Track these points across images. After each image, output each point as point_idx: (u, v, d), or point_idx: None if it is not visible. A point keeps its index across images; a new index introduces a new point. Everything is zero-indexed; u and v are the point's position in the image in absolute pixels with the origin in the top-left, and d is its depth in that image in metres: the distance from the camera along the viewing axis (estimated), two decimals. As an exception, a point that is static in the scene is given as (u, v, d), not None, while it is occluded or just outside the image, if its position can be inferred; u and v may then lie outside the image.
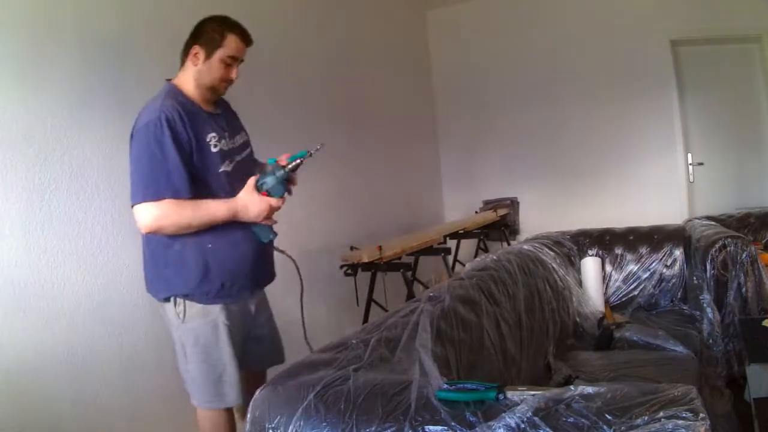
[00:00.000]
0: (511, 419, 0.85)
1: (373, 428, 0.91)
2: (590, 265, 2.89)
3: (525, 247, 2.60)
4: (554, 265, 2.57)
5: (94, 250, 2.19)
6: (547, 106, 4.89)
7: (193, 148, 1.67)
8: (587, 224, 3.33)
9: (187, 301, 1.72)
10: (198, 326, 1.72)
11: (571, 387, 0.90)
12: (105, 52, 2.30)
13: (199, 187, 1.67)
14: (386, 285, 3.38)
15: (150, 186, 1.62)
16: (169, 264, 1.72)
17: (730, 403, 2.02)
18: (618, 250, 3.03)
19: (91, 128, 2.21)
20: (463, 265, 4.27)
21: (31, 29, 2.04)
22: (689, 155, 4.57)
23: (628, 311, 2.83)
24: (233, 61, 1.78)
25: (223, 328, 1.73)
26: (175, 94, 1.74)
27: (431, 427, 0.88)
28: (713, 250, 2.44)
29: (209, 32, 1.76)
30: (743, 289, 2.36)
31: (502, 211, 4.81)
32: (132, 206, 1.66)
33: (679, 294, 2.88)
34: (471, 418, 0.88)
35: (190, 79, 1.77)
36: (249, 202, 1.68)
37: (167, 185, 1.62)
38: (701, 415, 0.78)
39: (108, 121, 2.28)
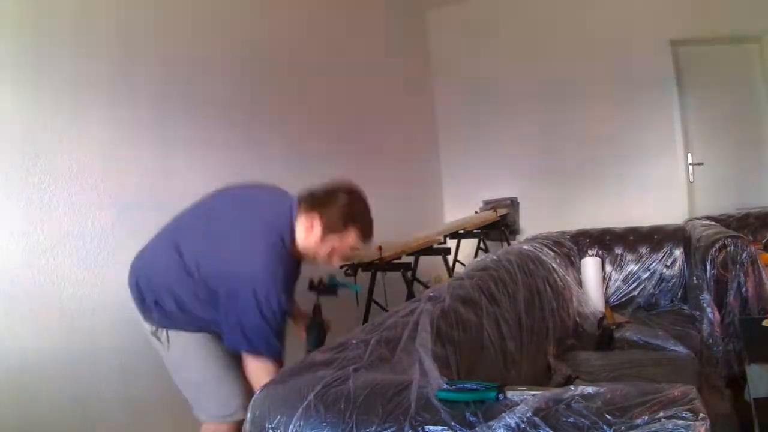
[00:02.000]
0: (511, 419, 0.85)
1: (373, 428, 0.91)
2: (590, 265, 2.89)
3: (525, 247, 2.60)
4: (554, 265, 2.57)
5: (94, 250, 2.19)
6: (547, 106, 4.89)
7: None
8: (587, 224, 3.33)
9: (168, 331, 1.72)
10: (182, 348, 1.74)
11: (571, 387, 0.90)
12: (105, 51, 2.30)
13: None
14: (386, 285, 3.38)
15: (275, 347, 1.59)
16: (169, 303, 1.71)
17: (730, 403, 2.02)
18: (618, 250, 3.03)
19: (91, 128, 2.21)
20: (463, 265, 4.27)
21: (31, 29, 2.04)
22: (689, 155, 4.57)
23: (628, 311, 2.83)
24: (341, 251, 1.69)
25: (206, 342, 1.73)
26: (287, 247, 1.63)
27: (431, 427, 0.88)
28: (713, 250, 2.44)
29: (336, 216, 1.64)
30: (743, 289, 2.36)
31: (502, 211, 4.81)
32: (259, 355, 1.60)
33: (679, 294, 2.88)
34: (471, 418, 0.88)
35: (299, 237, 1.66)
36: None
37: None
38: (701, 415, 0.78)
39: (108, 120, 2.28)
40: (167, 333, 1.73)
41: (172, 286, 1.68)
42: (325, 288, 1.88)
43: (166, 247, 1.72)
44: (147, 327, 1.76)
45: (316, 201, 1.66)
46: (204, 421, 1.80)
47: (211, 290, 1.60)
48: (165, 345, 1.74)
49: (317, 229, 1.63)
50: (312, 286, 1.90)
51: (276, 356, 1.57)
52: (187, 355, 1.74)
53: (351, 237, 1.66)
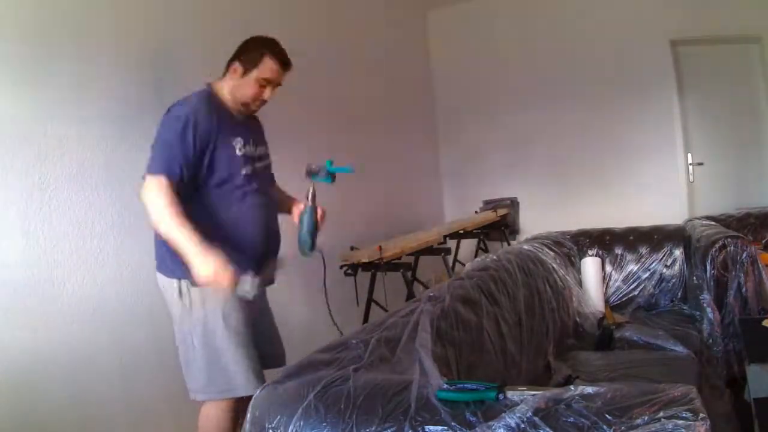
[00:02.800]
0: (511, 419, 0.85)
1: (373, 428, 0.91)
2: (590, 265, 2.89)
3: (525, 247, 2.60)
4: (554, 265, 2.57)
5: (94, 250, 2.19)
6: (547, 106, 4.88)
7: (215, 147, 1.78)
8: (587, 224, 3.33)
9: (192, 289, 1.75)
10: (203, 314, 1.76)
11: (571, 387, 0.90)
12: (105, 52, 2.29)
13: (222, 184, 1.80)
14: (386, 285, 3.38)
15: (157, 163, 1.71)
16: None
17: (730, 403, 2.03)
18: (618, 250, 3.02)
19: (91, 128, 2.21)
20: (463, 265, 4.27)
21: (31, 29, 2.04)
22: (689, 155, 4.57)
23: (628, 311, 2.83)
24: (267, 82, 1.87)
25: (229, 312, 1.76)
26: (210, 98, 1.84)
27: (431, 427, 0.88)
28: (713, 250, 2.44)
29: (250, 51, 1.86)
30: (743, 289, 2.36)
31: (502, 211, 4.81)
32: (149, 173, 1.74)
33: (679, 294, 2.88)
34: (471, 418, 0.88)
35: (227, 89, 1.87)
36: (210, 267, 1.64)
37: (169, 165, 1.70)
38: (701, 415, 0.78)
39: (108, 120, 2.28)
40: (189, 289, 1.77)
41: None
42: (319, 173, 1.96)
43: None
44: (169, 288, 1.81)
45: (234, 54, 1.88)
46: (202, 399, 1.82)
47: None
48: (187, 302, 1.78)
49: (238, 69, 1.84)
50: (308, 173, 1.97)
51: (155, 170, 1.70)
52: (203, 314, 1.78)
53: (269, 63, 1.84)
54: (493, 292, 1.95)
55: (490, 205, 5.02)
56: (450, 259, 4.37)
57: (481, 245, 4.58)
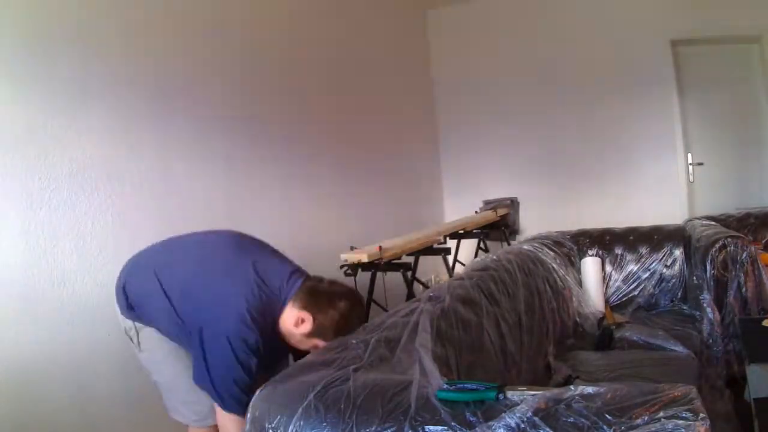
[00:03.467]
0: (511, 419, 0.85)
1: (373, 428, 0.91)
2: (590, 265, 2.89)
3: (525, 247, 2.60)
4: (554, 265, 2.57)
5: (94, 250, 2.19)
6: (548, 106, 4.89)
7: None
8: (587, 224, 3.33)
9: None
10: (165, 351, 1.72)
11: (571, 387, 0.90)
12: (105, 52, 2.29)
13: None
14: (386, 285, 3.38)
15: (238, 403, 1.50)
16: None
17: (730, 403, 2.02)
18: (618, 250, 3.02)
19: (91, 128, 2.21)
20: (463, 265, 4.26)
21: (31, 29, 2.04)
22: (689, 155, 4.57)
23: (628, 311, 2.83)
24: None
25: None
26: (270, 329, 1.60)
27: (431, 427, 0.88)
28: (713, 250, 2.44)
29: (329, 322, 1.58)
30: (743, 289, 2.36)
31: (502, 211, 4.80)
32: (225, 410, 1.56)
33: (679, 294, 2.88)
34: (471, 418, 0.88)
35: (286, 321, 1.61)
36: None
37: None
38: (701, 415, 0.78)
39: (108, 120, 2.28)
40: (138, 332, 1.71)
41: (152, 305, 1.68)
42: None
43: (148, 267, 1.72)
44: (123, 323, 1.75)
45: (315, 302, 1.60)
46: (184, 424, 1.80)
47: (186, 318, 1.60)
48: (137, 345, 1.73)
49: (306, 327, 1.59)
50: None
51: (236, 412, 1.50)
52: (156, 358, 1.73)
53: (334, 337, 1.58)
54: (493, 292, 1.95)
55: (490, 205, 5.02)
56: (450, 259, 4.37)
57: (481, 245, 4.57)
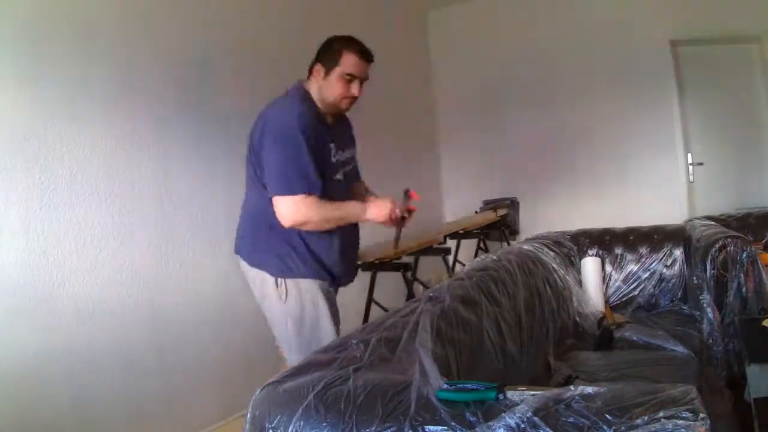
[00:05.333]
0: (511, 419, 0.85)
1: (373, 428, 0.90)
2: (590, 265, 2.89)
3: (525, 247, 2.60)
4: (554, 265, 2.57)
5: (94, 250, 2.19)
6: (547, 106, 4.89)
7: (318, 156, 1.80)
8: (587, 224, 3.32)
9: (287, 280, 1.82)
10: (298, 305, 1.84)
11: (571, 387, 0.90)
12: (105, 51, 2.30)
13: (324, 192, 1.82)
14: (386, 285, 3.38)
15: (294, 182, 1.75)
16: (273, 247, 1.84)
17: (730, 403, 2.02)
18: (618, 250, 3.02)
19: (91, 128, 2.21)
20: (463, 265, 4.26)
21: (31, 29, 2.04)
22: (689, 155, 4.57)
23: (628, 311, 2.83)
24: (352, 78, 1.87)
25: (322, 304, 1.85)
26: (308, 99, 1.86)
27: (431, 427, 0.88)
28: (713, 250, 2.44)
29: (328, 51, 1.87)
30: (743, 289, 2.36)
31: (502, 211, 4.80)
32: (273, 197, 1.78)
33: (679, 294, 2.87)
34: (471, 418, 0.88)
35: (314, 91, 1.89)
36: (379, 204, 1.89)
37: (308, 184, 1.75)
38: (701, 415, 0.78)
39: (108, 120, 2.28)
40: (285, 283, 1.83)
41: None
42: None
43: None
44: (270, 279, 1.85)
45: (315, 57, 1.90)
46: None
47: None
48: (283, 294, 1.83)
49: (321, 71, 1.86)
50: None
51: (297, 190, 1.73)
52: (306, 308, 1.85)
53: (349, 58, 1.85)
54: (493, 292, 1.95)
55: (490, 205, 5.02)
56: (450, 259, 4.37)
57: (481, 245, 4.57)
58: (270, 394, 1.07)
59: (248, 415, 1.07)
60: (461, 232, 4.27)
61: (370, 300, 3.24)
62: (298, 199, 1.74)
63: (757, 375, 1.71)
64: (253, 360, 2.81)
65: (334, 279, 1.93)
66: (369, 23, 4.41)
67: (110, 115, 2.29)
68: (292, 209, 1.74)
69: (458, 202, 5.30)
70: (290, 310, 1.84)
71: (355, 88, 1.88)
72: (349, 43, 1.87)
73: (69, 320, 2.08)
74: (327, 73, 1.86)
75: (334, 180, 1.89)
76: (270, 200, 1.79)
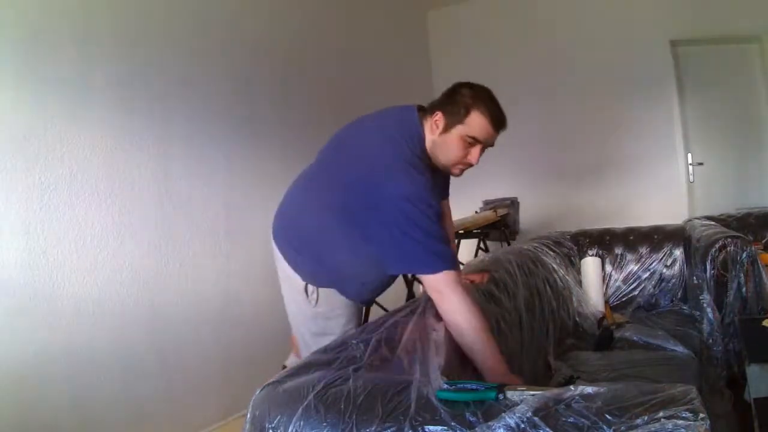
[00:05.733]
0: (511, 419, 0.85)
1: (373, 428, 0.90)
2: (590, 265, 2.89)
3: (525, 247, 2.60)
4: (554, 265, 2.57)
5: (94, 250, 2.19)
6: (547, 106, 4.89)
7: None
8: (587, 224, 3.33)
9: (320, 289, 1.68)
10: (328, 307, 1.70)
11: (571, 387, 0.90)
12: (105, 51, 2.30)
13: None
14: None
15: (435, 257, 1.43)
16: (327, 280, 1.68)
17: (730, 403, 2.02)
18: (618, 250, 3.02)
19: (91, 128, 2.21)
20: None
21: (31, 29, 2.04)
22: (689, 155, 4.57)
23: (628, 311, 2.83)
24: (475, 142, 1.56)
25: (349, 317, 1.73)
26: (423, 162, 1.54)
27: (431, 427, 0.88)
28: (713, 250, 2.44)
29: (456, 101, 1.57)
30: (743, 289, 2.36)
31: (502, 211, 4.80)
32: (434, 273, 1.45)
33: (679, 294, 2.88)
34: (471, 418, 0.88)
35: (428, 142, 1.59)
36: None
37: (450, 261, 1.46)
38: (701, 415, 0.78)
39: (108, 120, 2.28)
40: (318, 290, 1.67)
41: (311, 237, 1.64)
42: None
43: (304, 195, 1.70)
44: (299, 281, 1.68)
45: (438, 101, 1.60)
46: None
47: (360, 225, 1.52)
48: (313, 300, 1.67)
49: (440, 122, 1.55)
50: None
51: (447, 264, 1.43)
52: (333, 312, 1.69)
53: (476, 120, 1.54)
54: (493, 292, 1.95)
55: (490, 205, 5.02)
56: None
57: (481, 245, 4.57)
58: (270, 394, 1.06)
59: (248, 415, 1.07)
60: (461, 232, 4.26)
61: (370, 300, 3.24)
62: (443, 276, 1.43)
63: (757, 375, 1.71)
64: (253, 360, 2.81)
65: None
66: (369, 23, 4.42)
67: (110, 115, 2.29)
68: (455, 295, 1.43)
69: (458, 202, 5.28)
70: (319, 312, 1.70)
71: (474, 156, 1.58)
72: (484, 101, 1.57)
73: (69, 320, 2.08)
74: (447, 128, 1.55)
75: None
76: (365, 261, 1.57)
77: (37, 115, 2.03)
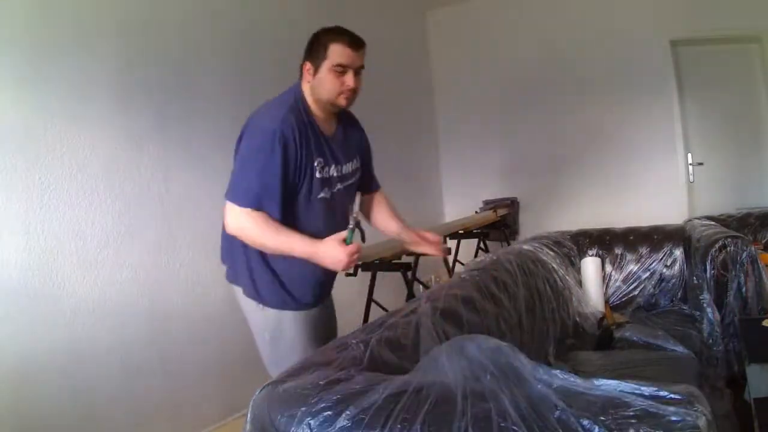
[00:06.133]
0: (510, 419, 0.85)
1: (373, 429, 0.90)
2: (590, 265, 2.89)
3: (525, 247, 2.60)
4: (554, 265, 2.57)
5: (94, 250, 2.19)
6: (548, 106, 4.89)
7: (298, 170, 1.65)
8: (587, 224, 3.33)
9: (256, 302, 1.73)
10: (272, 318, 1.74)
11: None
12: (104, 52, 2.30)
13: (294, 208, 1.68)
14: (386, 285, 3.38)
15: (244, 192, 1.61)
16: (239, 264, 1.74)
17: (730, 403, 2.02)
18: (618, 250, 3.02)
19: (91, 128, 2.21)
20: (463, 265, 4.26)
21: (31, 29, 2.04)
22: (689, 155, 4.57)
23: (628, 311, 2.83)
24: (344, 68, 1.69)
25: (293, 326, 1.74)
26: (299, 108, 1.70)
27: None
28: (713, 250, 2.44)
29: (315, 45, 1.72)
30: (743, 289, 2.36)
31: (502, 211, 4.80)
32: (227, 201, 1.65)
33: (679, 294, 2.88)
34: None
35: (308, 94, 1.74)
36: (330, 252, 1.61)
37: (257, 198, 1.60)
38: (701, 415, 0.78)
39: (108, 120, 2.28)
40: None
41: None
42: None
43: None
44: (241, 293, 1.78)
45: (303, 56, 1.76)
46: None
47: None
48: (260, 307, 1.74)
49: (310, 69, 1.71)
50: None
51: (237, 198, 1.61)
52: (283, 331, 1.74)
53: (336, 50, 1.69)
54: (493, 292, 1.95)
55: (490, 205, 5.02)
56: (450, 259, 4.37)
57: (481, 245, 4.57)
58: (270, 394, 1.06)
59: (248, 415, 1.07)
60: (461, 232, 4.27)
61: (370, 300, 3.24)
62: (246, 211, 1.59)
63: (757, 375, 1.71)
64: (253, 360, 2.80)
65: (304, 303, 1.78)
66: (369, 23, 4.41)
67: (110, 115, 2.29)
68: (233, 219, 1.62)
69: (458, 202, 5.30)
70: (269, 322, 1.74)
71: (349, 80, 1.70)
72: (334, 32, 1.72)
73: (69, 320, 2.08)
74: (317, 69, 1.69)
75: (317, 199, 1.70)
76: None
77: (37, 115, 2.03)
